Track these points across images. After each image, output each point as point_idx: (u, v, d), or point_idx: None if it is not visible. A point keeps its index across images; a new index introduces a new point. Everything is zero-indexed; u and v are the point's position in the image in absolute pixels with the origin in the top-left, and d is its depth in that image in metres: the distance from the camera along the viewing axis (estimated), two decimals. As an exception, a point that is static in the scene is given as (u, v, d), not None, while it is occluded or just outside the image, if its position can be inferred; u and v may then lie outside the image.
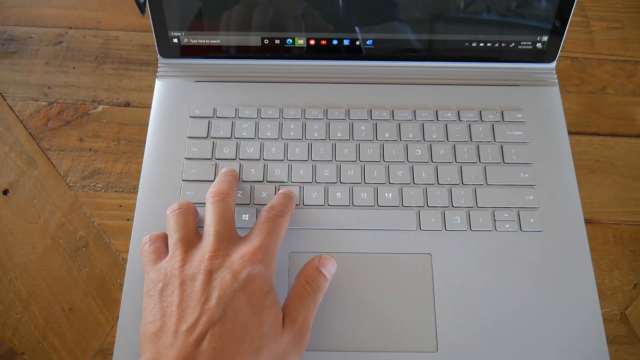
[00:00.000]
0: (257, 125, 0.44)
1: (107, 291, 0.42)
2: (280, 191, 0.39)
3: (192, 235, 0.35)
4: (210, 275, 0.31)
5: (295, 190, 0.41)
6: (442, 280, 0.38)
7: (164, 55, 0.46)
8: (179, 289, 0.31)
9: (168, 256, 0.34)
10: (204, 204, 0.40)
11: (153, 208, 0.40)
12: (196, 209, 0.38)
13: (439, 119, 0.44)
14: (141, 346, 0.31)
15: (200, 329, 0.29)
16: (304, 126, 0.44)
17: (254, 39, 0.45)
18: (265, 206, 0.37)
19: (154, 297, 0.32)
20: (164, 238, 0.36)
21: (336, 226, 0.40)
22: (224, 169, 0.40)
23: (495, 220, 0.40)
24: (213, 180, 0.41)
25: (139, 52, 0.52)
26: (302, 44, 0.45)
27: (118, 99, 0.49)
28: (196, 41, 0.45)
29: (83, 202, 0.45)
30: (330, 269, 0.36)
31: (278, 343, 0.31)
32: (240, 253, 0.32)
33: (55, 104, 0.49)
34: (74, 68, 0.51)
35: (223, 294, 0.30)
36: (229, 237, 0.34)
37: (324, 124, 0.44)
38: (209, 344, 0.29)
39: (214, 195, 0.36)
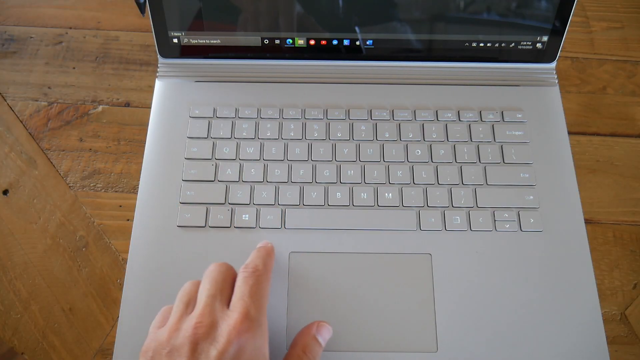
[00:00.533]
0: (257, 125, 0.44)
1: (107, 291, 0.42)
2: (257, 246, 0.38)
3: (194, 300, 0.33)
4: (195, 347, 0.29)
5: (295, 190, 0.41)
6: (442, 280, 0.38)
7: (164, 55, 0.46)
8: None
9: (170, 317, 0.32)
10: (207, 203, 0.41)
11: (153, 208, 0.41)
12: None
13: (439, 119, 0.44)
14: None
15: None
16: (304, 126, 0.44)
17: (254, 39, 0.45)
18: (241, 267, 0.34)
19: None
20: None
21: (336, 226, 0.40)
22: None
23: (495, 220, 0.40)
24: (213, 181, 0.41)
25: (139, 52, 0.52)
26: (302, 44, 0.45)
27: (118, 99, 0.49)
28: (196, 41, 0.45)
29: (83, 202, 0.45)
30: (326, 336, 0.35)
31: None
32: (226, 324, 0.30)
33: (55, 104, 0.49)
34: (74, 68, 0.51)
35: None
36: (216, 302, 0.32)
37: (324, 124, 0.44)
38: None
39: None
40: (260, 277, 0.33)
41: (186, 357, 0.29)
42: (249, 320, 0.30)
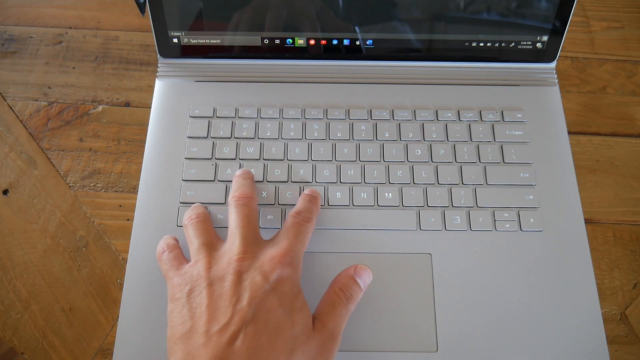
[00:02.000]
0: (257, 125, 0.44)
1: (107, 291, 0.42)
2: (305, 192, 0.39)
3: (213, 240, 0.35)
4: (239, 276, 0.31)
5: (295, 190, 0.41)
6: (442, 280, 0.38)
7: (164, 55, 0.46)
8: (207, 290, 0.31)
9: (192, 261, 0.34)
10: (207, 203, 0.40)
11: (153, 208, 0.40)
12: (210, 217, 0.38)
13: (439, 119, 0.44)
14: (169, 348, 0.30)
15: (233, 329, 0.29)
16: (304, 126, 0.44)
17: (254, 39, 0.45)
18: (292, 210, 0.37)
19: (180, 300, 0.31)
20: (179, 246, 0.36)
21: (336, 226, 0.40)
22: (239, 170, 0.40)
23: (495, 220, 0.40)
24: (213, 180, 0.41)
25: (139, 52, 0.52)
26: (302, 44, 0.45)
27: (118, 99, 0.49)
28: (196, 41, 0.45)
29: (83, 202, 0.45)
30: (365, 279, 0.35)
31: (309, 345, 0.31)
32: (270, 256, 0.32)
33: (55, 104, 0.49)
34: (74, 68, 0.51)
35: (254, 295, 0.30)
36: (255, 240, 0.34)
37: (324, 124, 0.44)
38: (242, 344, 0.29)
39: (237, 200, 0.36)
40: (308, 227, 0.36)
41: (230, 286, 0.31)
42: (291, 256, 0.33)
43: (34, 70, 0.51)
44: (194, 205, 0.39)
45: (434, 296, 0.38)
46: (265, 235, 0.36)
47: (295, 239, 0.34)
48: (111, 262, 0.43)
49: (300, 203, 0.38)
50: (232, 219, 0.35)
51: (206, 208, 0.39)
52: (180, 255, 0.35)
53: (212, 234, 0.35)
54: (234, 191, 0.37)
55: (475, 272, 0.38)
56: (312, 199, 0.38)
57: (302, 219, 0.36)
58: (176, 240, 0.37)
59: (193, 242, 0.35)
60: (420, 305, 0.37)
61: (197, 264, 0.33)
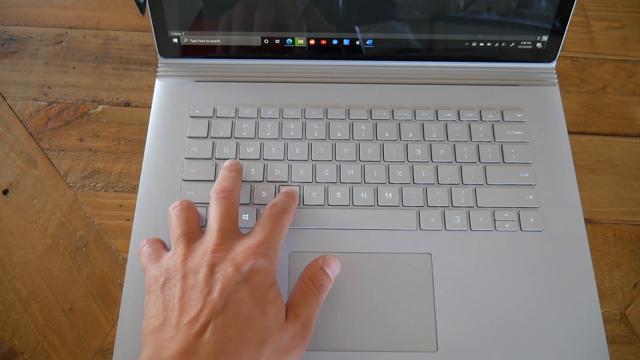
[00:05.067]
0: (257, 125, 0.44)
1: (107, 291, 0.42)
2: (282, 190, 0.39)
3: (194, 231, 0.35)
4: (212, 268, 0.31)
5: (295, 190, 0.41)
6: (442, 280, 0.38)
7: (164, 55, 0.46)
8: (181, 282, 0.31)
9: (170, 252, 0.34)
10: (207, 203, 0.40)
11: (153, 208, 0.40)
12: (196, 208, 0.38)
13: (439, 119, 0.44)
14: (143, 340, 0.31)
15: (203, 321, 0.29)
16: (304, 126, 0.44)
17: (254, 39, 0.45)
18: (268, 204, 0.37)
19: (155, 292, 0.32)
20: (161, 241, 0.36)
21: (336, 226, 0.40)
22: (227, 162, 0.40)
23: (495, 220, 0.40)
24: (213, 180, 0.41)
25: (139, 52, 0.52)
26: (302, 44, 0.45)
27: (118, 99, 0.49)
28: (196, 41, 0.45)
29: (83, 202, 0.45)
30: (334, 269, 0.36)
31: (281, 336, 0.31)
32: (244, 247, 0.33)
33: (55, 104, 0.49)
34: (74, 68, 0.51)
35: (226, 286, 0.30)
36: (232, 232, 0.34)
37: (324, 124, 0.44)
38: (211, 335, 0.29)
39: (218, 193, 0.36)
40: (284, 218, 0.36)
41: (203, 278, 0.31)
42: (266, 247, 0.33)
43: (34, 70, 0.51)
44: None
45: (434, 296, 0.38)
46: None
47: (271, 230, 0.34)
48: (111, 262, 0.43)
49: (277, 197, 0.38)
50: (212, 211, 0.36)
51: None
52: (159, 248, 0.35)
53: (193, 225, 0.36)
54: (216, 184, 0.37)
55: (475, 272, 0.38)
56: (289, 195, 0.39)
57: (278, 210, 0.36)
58: (160, 239, 0.37)
59: (174, 232, 0.35)
60: (420, 305, 0.37)
61: (173, 256, 0.33)
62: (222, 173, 0.39)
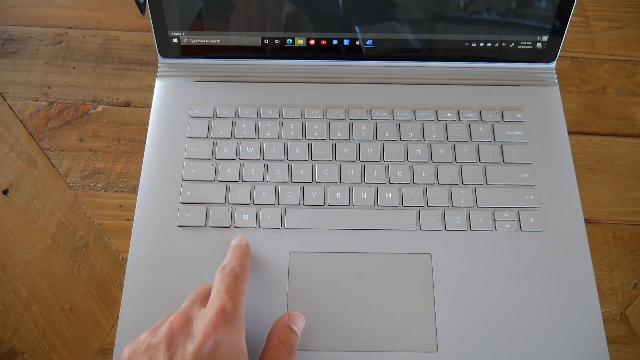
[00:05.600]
0: (257, 125, 0.44)
1: (107, 291, 0.42)
2: (231, 244, 0.38)
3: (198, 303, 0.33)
4: (169, 349, 0.29)
5: (295, 190, 0.41)
6: (442, 280, 0.38)
7: (164, 55, 0.46)
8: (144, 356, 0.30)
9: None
10: (207, 203, 0.41)
11: (153, 208, 0.40)
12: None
13: (439, 119, 0.44)
14: None
15: None
16: (304, 126, 0.44)
17: (254, 39, 0.45)
18: (219, 268, 0.35)
19: None
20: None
21: (336, 226, 0.40)
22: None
23: (495, 220, 0.40)
24: (213, 180, 0.41)
25: (139, 52, 0.52)
26: (302, 44, 0.45)
27: (118, 99, 0.49)
28: (196, 41, 0.45)
29: (83, 202, 0.45)
30: (300, 325, 0.35)
31: None
32: (201, 321, 0.30)
33: (55, 104, 0.49)
34: (74, 68, 0.51)
35: None
36: (192, 307, 0.32)
37: (324, 124, 0.44)
38: None
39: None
40: (237, 277, 0.33)
41: (163, 352, 0.29)
42: (225, 315, 0.30)
43: (34, 70, 0.51)
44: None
45: (434, 296, 0.38)
46: (271, 235, 0.36)
47: (227, 294, 0.32)
48: (111, 262, 0.43)
49: (226, 256, 0.36)
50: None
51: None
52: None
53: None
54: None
55: (475, 272, 0.38)
56: (236, 248, 0.37)
57: (228, 271, 0.34)
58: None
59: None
60: (420, 305, 0.37)
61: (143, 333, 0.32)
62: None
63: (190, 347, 0.29)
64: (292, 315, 0.35)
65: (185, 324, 0.30)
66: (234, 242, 0.38)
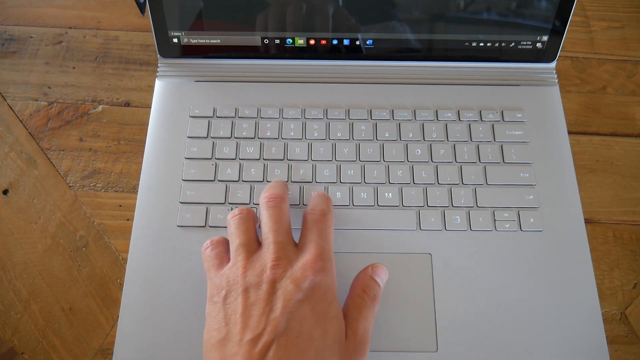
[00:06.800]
0: (257, 125, 0.44)
1: (107, 291, 0.42)
2: (314, 193, 0.38)
3: (252, 241, 0.34)
4: (273, 285, 0.31)
5: (295, 189, 0.41)
6: (442, 280, 0.38)
7: (164, 55, 0.46)
8: (242, 297, 0.31)
9: (230, 262, 0.34)
10: (207, 203, 0.40)
11: (153, 208, 0.40)
12: (256, 215, 0.37)
13: (439, 119, 0.44)
14: (205, 353, 0.31)
15: (266, 339, 0.29)
16: (304, 126, 0.44)
17: (254, 39, 0.45)
18: (306, 209, 0.36)
19: (217, 304, 0.32)
20: (225, 243, 0.36)
21: (336, 226, 0.40)
22: (274, 180, 0.40)
23: (495, 220, 0.40)
24: (213, 180, 0.41)
25: (139, 52, 0.52)
26: (302, 44, 0.45)
27: (118, 99, 0.49)
28: (196, 41, 0.45)
29: (83, 202, 0.45)
30: (383, 277, 0.35)
31: (341, 355, 0.31)
32: (302, 262, 0.32)
33: (55, 104, 0.49)
34: (74, 68, 0.51)
35: (287, 304, 0.30)
36: (287, 244, 0.34)
37: (324, 124, 0.44)
38: (274, 355, 0.29)
39: (269, 200, 0.35)
40: (327, 220, 0.35)
41: (265, 295, 0.31)
42: (323, 259, 0.32)
43: (34, 70, 0.51)
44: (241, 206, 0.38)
45: (434, 296, 0.38)
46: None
47: (320, 237, 0.34)
48: (111, 262, 0.43)
49: (311, 201, 0.37)
50: (264, 221, 0.35)
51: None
52: (222, 253, 0.35)
53: (252, 234, 0.35)
54: (265, 192, 0.36)
55: (475, 272, 0.38)
56: (323, 195, 0.38)
57: (319, 213, 0.35)
58: (224, 239, 0.36)
59: (233, 241, 0.34)
60: (420, 305, 0.37)
61: (233, 267, 0.33)
62: (269, 184, 0.38)
63: (290, 287, 0.31)
64: (375, 267, 0.35)
65: (287, 267, 0.32)
66: (316, 191, 0.39)
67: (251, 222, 0.36)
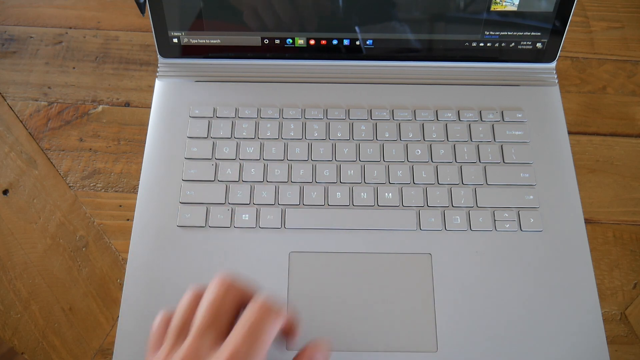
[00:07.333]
0: (257, 125, 0.44)
1: (107, 291, 0.42)
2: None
3: (188, 325, 0.28)
4: None
5: (295, 190, 0.41)
6: (442, 280, 0.38)
7: (164, 55, 0.46)
8: None
9: (160, 348, 0.29)
10: (207, 203, 0.41)
11: (153, 208, 0.41)
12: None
13: (439, 119, 0.44)
14: None
15: None
16: (304, 126, 0.44)
17: (254, 39, 0.45)
18: (255, 298, 0.28)
19: None
20: (165, 326, 0.30)
21: (336, 226, 0.40)
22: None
23: (495, 220, 0.40)
24: (213, 180, 0.41)
25: (139, 52, 0.52)
26: (302, 44, 0.45)
27: (118, 99, 0.49)
28: (196, 41, 0.45)
29: (83, 202, 0.45)
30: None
31: None
32: None
33: (55, 104, 0.49)
34: (74, 68, 0.51)
35: None
36: (208, 336, 0.27)
37: (324, 124, 0.44)
38: None
39: (223, 279, 0.29)
40: (269, 322, 0.27)
41: None
42: None
43: (34, 70, 0.51)
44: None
45: (434, 296, 0.38)
46: (271, 235, 0.36)
47: (243, 341, 0.26)
48: (111, 262, 0.43)
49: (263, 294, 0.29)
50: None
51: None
52: (162, 336, 0.29)
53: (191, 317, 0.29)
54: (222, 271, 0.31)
55: (475, 272, 0.38)
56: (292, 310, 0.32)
57: (264, 310, 0.27)
58: (167, 315, 0.30)
59: (172, 319, 0.29)
60: (420, 305, 0.37)
61: (156, 358, 0.28)
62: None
63: None
64: (314, 350, 0.29)
65: None
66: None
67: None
